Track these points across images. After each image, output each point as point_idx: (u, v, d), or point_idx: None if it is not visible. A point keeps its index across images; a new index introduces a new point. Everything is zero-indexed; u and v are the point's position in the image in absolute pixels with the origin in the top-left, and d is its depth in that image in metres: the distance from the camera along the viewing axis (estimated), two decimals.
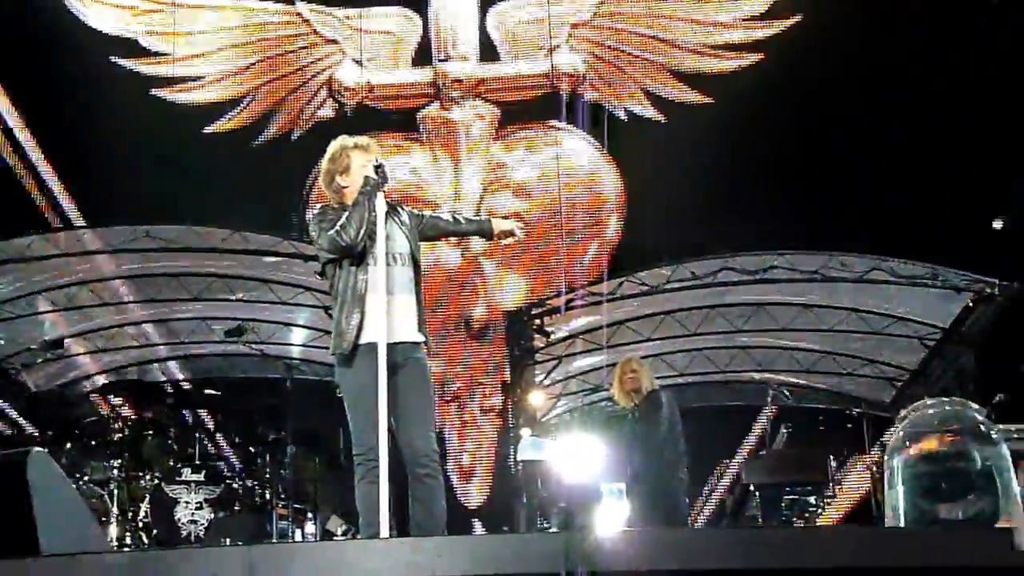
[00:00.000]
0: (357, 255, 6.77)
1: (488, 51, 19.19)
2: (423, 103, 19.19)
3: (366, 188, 6.76)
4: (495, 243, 7.54)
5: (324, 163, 7.09)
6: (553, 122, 19.27)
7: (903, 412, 7.88)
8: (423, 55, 19.15)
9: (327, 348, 13.33)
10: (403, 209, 7.17)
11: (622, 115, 19.14)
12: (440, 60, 19.14)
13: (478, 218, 7.49)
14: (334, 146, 7.11)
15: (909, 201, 16.74)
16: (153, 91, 18.63)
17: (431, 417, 6.95)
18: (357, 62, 19.06)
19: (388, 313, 6.72)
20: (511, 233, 7.43)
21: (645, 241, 18.47)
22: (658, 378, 12.32)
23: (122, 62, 18.52)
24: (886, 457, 7.50)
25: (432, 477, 6.73)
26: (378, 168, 6.90)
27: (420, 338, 6.89)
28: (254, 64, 19.01)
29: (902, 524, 6.98)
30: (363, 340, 6.71)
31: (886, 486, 7.41)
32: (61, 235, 13.51)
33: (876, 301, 14.68)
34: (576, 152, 19.13)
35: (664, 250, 18.00)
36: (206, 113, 18.80)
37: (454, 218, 7.48)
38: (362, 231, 6.69)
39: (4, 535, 5.95)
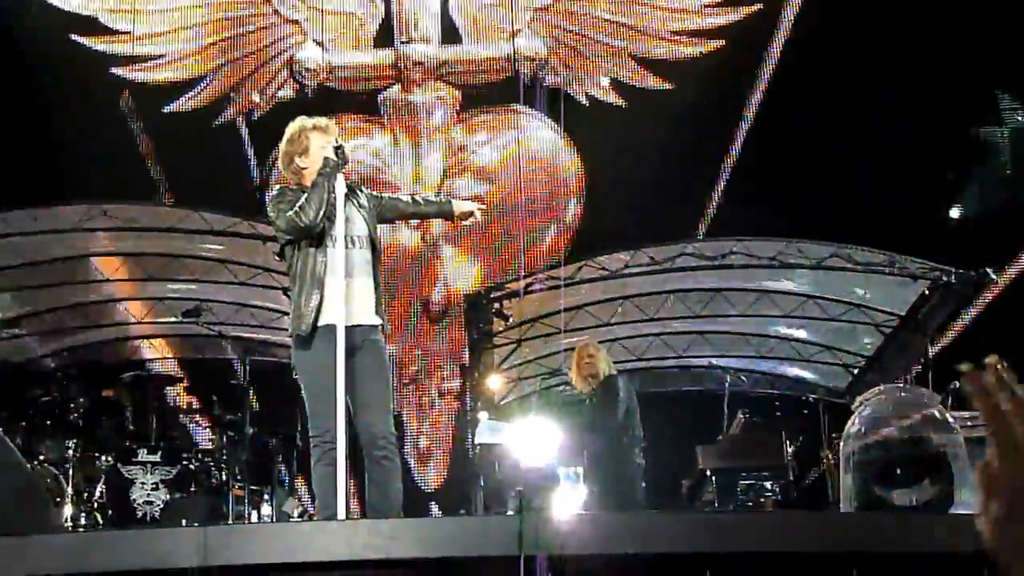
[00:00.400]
0: (316, 237, 6.76)
1: (450, 34, 19.15)
2: (384, 85, 19.13)
3: (325, 170, 6.74)
4: (456, 223, 7.55)
5: (283, 144, 7.08)
6: (514, 106, 19.26)
7: (859, 399, 7.95)
8: (385, 37, 19.09)
9: (285, 330, 13.32)
10: (362, 191, 7.16)
11: (583, 100, 19.15)
12: (402, 42, 19.08)
13: (439, 199, 7.51)
14: (293, 127, 7.09)
15: (868, 188, 16.87)
16: (113, 70, 18.50)
17: (388, 400, 6.96)
18: (318, 43, 18.99)
19: (347, 296, 6.72)
20: (471, 214, 7.43)
21: (604, 226, 18.52)
22: (616, 363, 12.37)
23: (81, 40, 18.38)
24: (842, 443, 7.57)
25: (389, 460, 6.74)
26: (338, 149, 6.89)
27: (378, 321, 6.90)
28: (215, 43, 18.90)
29: (855, 508, 7.05)
30: (322, 322, 6.70)
31: (841, 471, 7.48)
32: (15, 214, 13.38)
33: (834, 288, 14.76)
34: (537, 136, 19.13)
35: (623, 235, 18.06)
36: (166, 92, 18.70)
37: (414, 199, 7.49)
38: (320, 212, 6.66)
39: None
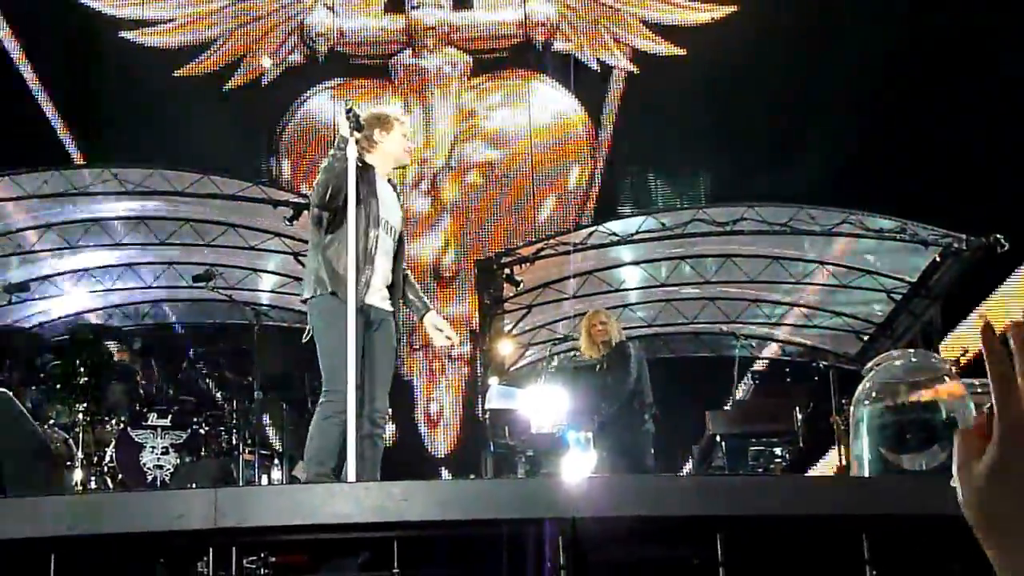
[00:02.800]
0: (370, 214, 6.84)
1: None
2: (395, 50, 19.10)
3: (338, 151, 6.76)
4: (424, 336, 7.64)
5: (372, 114, 7.21)
6: (525, 72, 19.23)
7: (870, 364, 7.92)
8: (396, 2, 19.05)
9: (295, 295, 13.34)
10: (398, 195, 7.30)
11: (594, 66, 19.11)
12: (413, 7, 19.04)
13: (423, 300, 7.45)
14: (392, 112, 7.41)
15: (882, 153, 16.84)
16: (122, 34, 18.49)
17: (389, 382, 7.06)
18: (328, 7, 18.94)
19: (373, 277, 6.87)
20: (441, 335, 7.39)
21: (615, 191, 18.52)
22: (626, 329, 12.37)
23: (91, 3, 18.37)
24: (852, 408, 7.54)
25: (380, 438, 6.87)
26: (348, 112, 6.86)
27: (392, 309, 7.01)
28: (224, 7, 18.87)
29: (866, 474, 7.03)
30: (368, 300, 6.80)
31: (851, 436, 7.46)
32: (25, 177, 13.35)
33: (844, 254, 14.71)
34: (548, 101, 19.11)
35: (634, 200, 18.06)
36: (175, 56, 18.68)
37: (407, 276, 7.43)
38: (327, 193, 6.72)
39: None
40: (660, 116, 18.32)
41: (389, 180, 7.23)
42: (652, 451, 10.54)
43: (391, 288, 7.08)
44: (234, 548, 5.31)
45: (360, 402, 6.72)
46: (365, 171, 6.93)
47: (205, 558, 5.32)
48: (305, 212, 12.43)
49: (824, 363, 15.70)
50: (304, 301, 7.05)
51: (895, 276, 14.73)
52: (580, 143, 19.03)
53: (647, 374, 10.57)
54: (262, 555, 5.45)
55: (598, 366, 10.65)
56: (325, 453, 6.61)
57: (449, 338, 7.40)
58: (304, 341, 7.06)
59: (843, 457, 11.61)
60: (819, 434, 12.79)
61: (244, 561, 5.36)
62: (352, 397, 6.49)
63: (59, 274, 15.01)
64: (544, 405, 11.56)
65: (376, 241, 6.86)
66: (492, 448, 12.42)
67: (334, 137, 6.89)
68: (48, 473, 6.69)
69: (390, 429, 16.71)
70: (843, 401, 12.38)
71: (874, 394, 7.34)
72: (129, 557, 5.47)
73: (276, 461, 12.97)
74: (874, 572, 5.46)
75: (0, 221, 13.76)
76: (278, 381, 13.88)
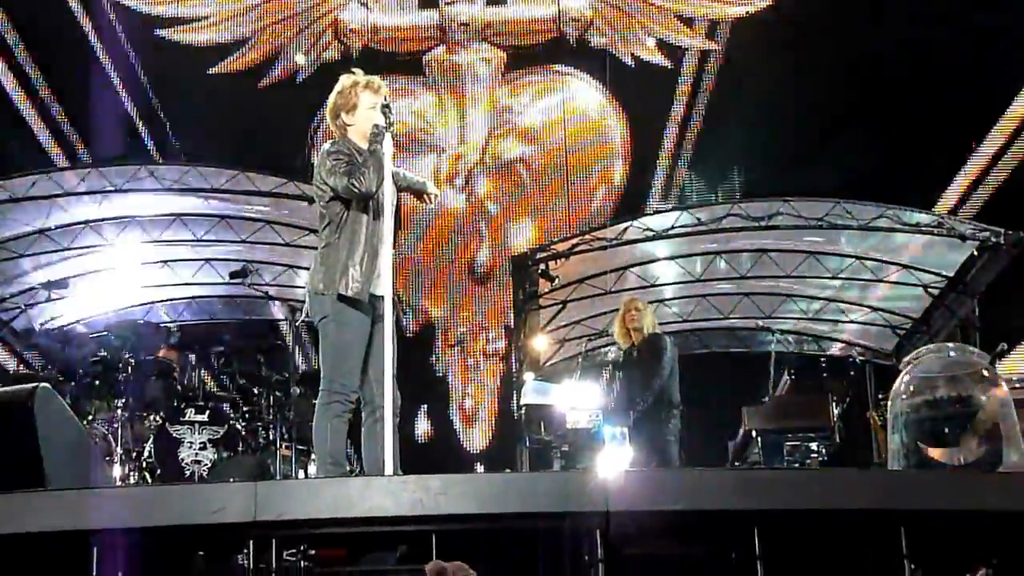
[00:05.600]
0: (374, 204, 6.78)
1: None
2: (429, 46, 19.12)
3: (378, 137, 6.73)
4: (425, 200, 7.42)
5: (332, 96, 7.05)
6: (560, 67, 19.22)
7: (907, 358, 7.90)
8: None
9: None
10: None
11: (629, 61, 19.07)
12: (447, 3, 19.05)
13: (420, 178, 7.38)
14: (345, 81, 7.07)
15: (919, 145, 16.77)
16: (157, 31, 18.58)
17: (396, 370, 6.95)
18: (363, 3, 18.98)
19: (382, 266, 6.80)
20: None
21: (650, 186, 18.50)
22: (661, 324, 12.32)
23: (126, 1, 18.47)
24: (889, 402, 7.52)
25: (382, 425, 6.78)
26: (385, 108, 6.87)
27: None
28: (259, 4, 18.93)
29: (903, 467, 7.02)
30: (374, 291, 6.75)
31: (889, 431, 7.44)
32: (64, 174, 13.45)
33: (881, 249, 14.64)
34: (583, 97, 19.10)
35: (669, 195, 18.03)
36: (210, 53, 18.76)
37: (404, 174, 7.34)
38: (378, 181, 6.69)
39: (11, 470, 5.98)
40: (695, 110, 18.30)
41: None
42: (679, 447, 10.52)
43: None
44: (273, 541, 5.35)
45: (373, 393, 6.73)
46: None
47: (245, 551, 5.35)
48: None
49: (860, 358, 15.65)
50: (317, 293, 6.91)
51: (932, 271, 14.65)
52: (614, 138, 19.01)
53: (677, 371, 10.55)
54: (301, 548, 5.47)
55: (631, 355, 10.65)
56: (342, 454, 6.64)
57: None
58: (296, 324, 7.07)
59: (880, 452, 11.57)
60: (855, 429, 12.75)
61: (283, 554, 5.39)
62: (388, 392, 6.51)
63: (98, 271, 15.08)
64: (579, 400, 11.54)
65: (382, 232, 6.83)
66: (527, 443, 12.42)
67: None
68: (89, 467, 6.73)
69: (424, 426, 16.71)
70: (879, 396, 12.35)
71: (911, 389, 7.32)
72: (170, 550, 5.51)
73: (312, 456, 13.00)
74: (912, 566, 5.45)
75: (37, 218, 13.83)
76: (314, 377, 13.92)
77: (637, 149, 18.82)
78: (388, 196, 6.83)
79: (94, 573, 5.34)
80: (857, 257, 14.80)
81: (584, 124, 18.98)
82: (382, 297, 6.76)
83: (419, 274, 18.43)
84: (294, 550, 5.50)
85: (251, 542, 5.34)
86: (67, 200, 13.59)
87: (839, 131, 17.23)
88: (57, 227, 14.08)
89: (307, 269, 15.00)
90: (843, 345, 17.01)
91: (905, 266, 14.73)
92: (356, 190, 6.69)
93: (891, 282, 15.06)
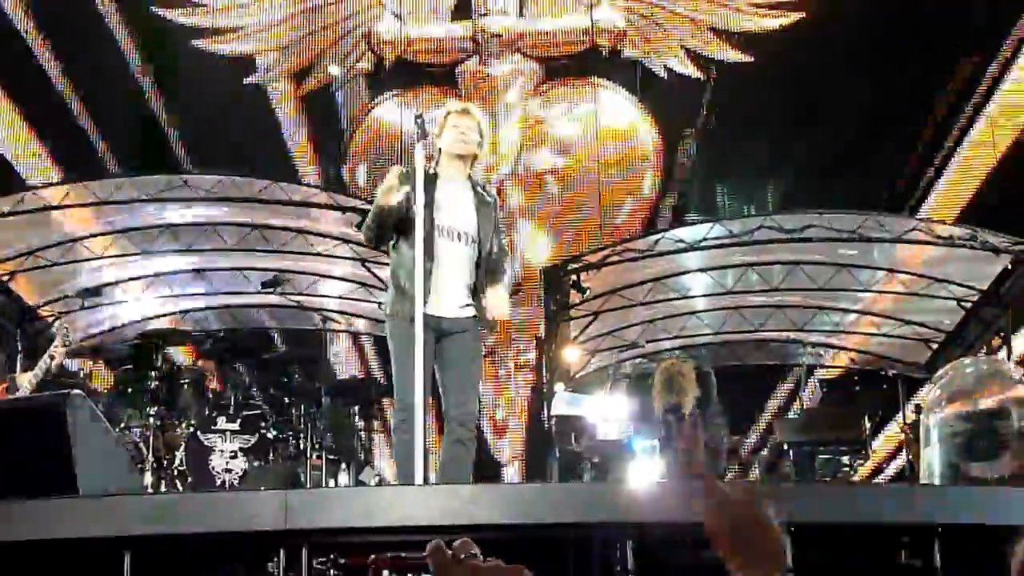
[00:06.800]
0: (413, 224, 6.83)
1: (528, 6, 19.14)
2: (462, 57, 19.14)
3: (383, 187, 6.80)
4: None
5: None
6: (592, 78, 19.22)
7: (940, 371, 7.87)
8: (463, 9, 19.11)
9: (362, 300, 13.39)
10: (489, 195, 7.15)
11: (662, 72, 19.06)
12: (480, 15, 19.08)
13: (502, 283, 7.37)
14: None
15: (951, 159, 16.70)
16: (193, 42, 18.67)
17: (471, 387, 6.98)
18: (396, 15, 19.03)
19: (436, 285, 6.80)
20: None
21: (682, 198, 18.47)
22: (692, 336, 12.29)
23: (162, 12, 18.57)
24: (922, 415, 7.49)
25: (470, 440, 6.84)
26: (417, 118, 6.89)
27: (468, 313, 6.90)
28: (293, 16, 19.02)
29: (937, 482, 6.98)
30: (433, 311, 6.81)
31: (922, 444, 7.40)
32: (98, 183, 13.53)
33: (914, 262, 14.57)
34: (615, 109, 19.09)
35: (701, 207, 17.99)
36: (244, 64, 18.85)
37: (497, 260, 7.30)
38: (374, 234, 6.91)
39: (44, 475, 6.00)
40: (728, 123, 18.26)
41: (475, 184, 7.09)
42: (724, 464, 10.49)
43: (474, 294, 6.99)
44: (304, 549, 5.36)
45: (444, 409, 6.80)
46: (431, 179, 6.96)
47: (276, 558, 5.36)
48: None
49: (893, 371, 15.58)
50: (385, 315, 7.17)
51: (965, 284, 14.58)
52: (647, 150, 19.00)
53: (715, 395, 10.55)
54: (332, 556, 5.48)
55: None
56: (406, 465, 6.66)
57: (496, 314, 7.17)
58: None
59: (912, 466, 11.52)
60: (886, 443, 12.72)
61: (314, 562, 5.40)
62: (420, 407, 6.52)
63: (130, 279, 15.16)
64: (610, 412, 11.52)
65: (437, 249, 6.83)
66: (558, 455, 12.41)
67: (400, 144, 6.91)
68: (122, 474, 6.76)
69: None
70: (912, 410, 12.30)
71: (945, 402, 7.28)
72: (201, 557, 5.52)
73: (343, 466, 13.03)
74: None
75: (72, 227, 13.91)
76: (345, 386, 13.97)
77: (669, 160, 18.80)
78: (440, 211, 6.86)
79: None
80: (890, 270, 14.75)
81: (616, 135, 18.97)
82: (442, 317, 6.82)
83: None
84: (324, 558, 5.50)
85: (282, 550, 5.35)
86: (100, 208, 13.66)
87: (874, 142, 17.19)
88: (90, 235, 14.15)
89: (339, 279, 15.12)
90: (875, 358, 16.92)
91: (938, 279, 14.66)
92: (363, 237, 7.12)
93: (924, 295, 14.98)
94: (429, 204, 6.81)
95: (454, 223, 6.89)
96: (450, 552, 1.70)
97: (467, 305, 6.91)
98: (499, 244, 7.12)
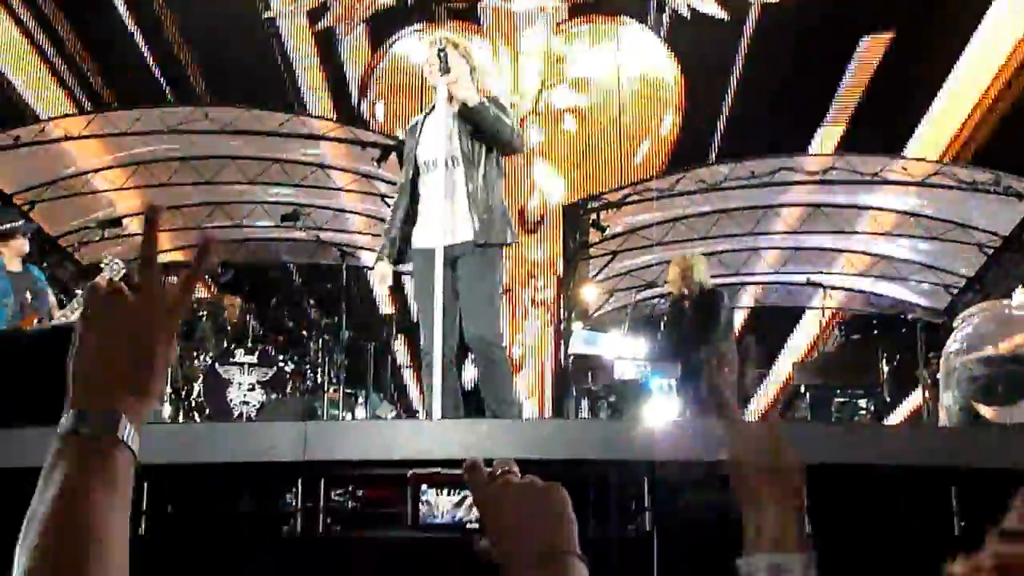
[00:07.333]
0: (411, 159, 7.05)
1: None
2: None
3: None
4: None
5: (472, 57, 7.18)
6: (615, 16, 19.06)
7: (961, 315, 7.85)
8: None
9: (380, 235, 13.37)
10: (477, 103, 7.08)
11: (685, 12, 18.90)
12: None
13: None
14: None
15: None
16: None
17: (484, 308, 6.95)
18: None
19: (443, 216, 6.84)
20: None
21: (704, 139, 18.37)
22: (712, 277, 12.25)
23: None
24: (943, 359, 7.48)
25: (490, 360, 6.83)
26: (441, 52, 6.85)
27: (470, 237, 6.91)
28: None
29: (955, 424, 6.98)
30: (418, 245, 6.96)
31: (941, 388, 7.40)
32: (118, 114, 13.50)
33: (936, 206, 14.47)
34: (638, 47, 18.93)
35: (722, 148, 17.89)
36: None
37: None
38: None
39: (61, 403, 6.02)
40: (752, 63, 18.12)
41: (463, 105, 6.95)
42: (734, 400, 10.47)
43: (477, 210, 6.95)
44: (322, 481, 5.38)
45: (463, 337, 6.83)
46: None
47: (294, 490, 5.39)
48: (393, 154, 12.50)
49: (911, 316, 15.54)
50: None
51: (987, 230, 14.50)
52: (669, 90, 18.87)
53: (732, 323, 10.53)
54: (349, 488, 5.50)
55: (685, 308, 10.64)
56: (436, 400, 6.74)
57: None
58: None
59: (928, 410, 11.51)
60: (904, 387, 12.68)
61: (332, 494, 5.42)
62: (438, 340, 6.54)
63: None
64: (627, 351, 11.53)
65: (421, 187, 7.02)
66: (574, 393, 12.42)
67: (421, 80, 6.95)
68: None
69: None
70: (930, 355, 12.26)
71: (965, 346, 7.27)
72: (219, 488, 5.55)
73: (360, 400, 13.07)
74: (962, 524, 5.42)
75: (91, 159, 13.90)
76: (363, 321, 13.98)
77: (691, 101, 18.68)
78: (439, 149, 6.89)
79: (145, 507, 5.39)
80: (911, 214, 14.67)
81: (638, 75, 18.84)
82: (452, 245, 6.84)
83: None
84: (342, 490, 5.52)
85: (299, 481, 5.37)
86: (121, 140, 13.64)
87: (905, 84, 17.03)
88: (110, 166, 14.14)
89: (358, 214, 15.09)
90: (894, 302, 16.87)
91: (960, 224, 14.58)
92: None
93: (945, 239, 14.91)
94: (416, 140, 7.05)
95: (431, 154, 7.00)
96: (487, 469, 1.71)
97: (468, 227, 6.91)
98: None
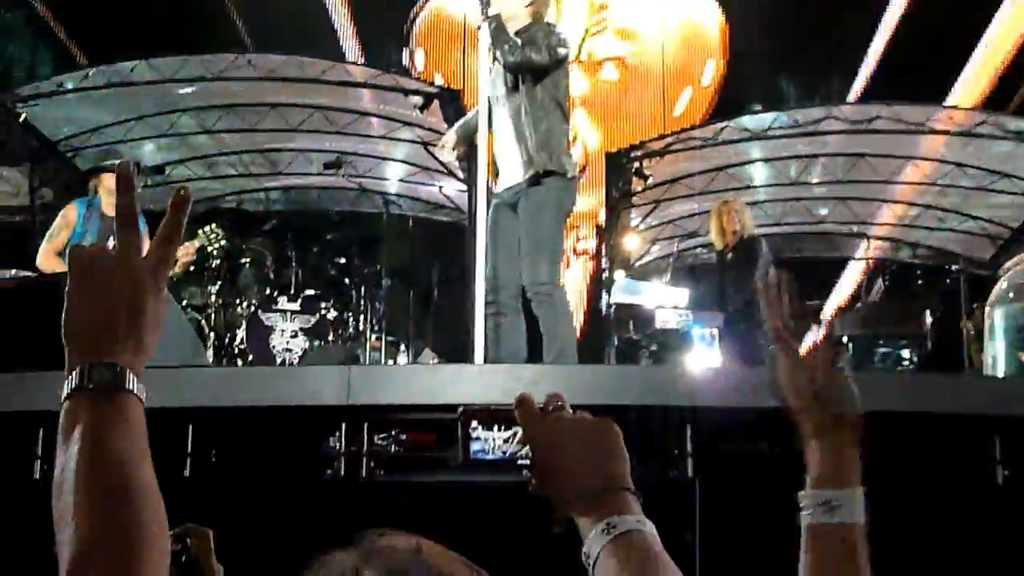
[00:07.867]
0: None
1: None
2: None
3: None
4: None
5: None
6: None
7: (1007, 264, 7.80)
8: None
9: (422, 184, 13.41)
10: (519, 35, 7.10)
11: None
12: None
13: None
14: None
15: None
16: None
17: (533, 250, 6.92)
18: None
19: (496, 157, 6.91)
20: None
21: (748, 87, 18.26)
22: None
23: None
24: (987, 308, 7.44)
25: (537, 304, 6.83)
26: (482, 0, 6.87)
27: (519, 179, 6.91)
28: None
29: (1000, 375, 6.94)
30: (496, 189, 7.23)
31: (986, 337, 7.36)
32: (163, 61, 13.48)
33: (982, 156, 14.32)
34: None
35: (767, 96, 17.77)
36: None
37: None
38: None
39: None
40: (796, 14, 17.97)
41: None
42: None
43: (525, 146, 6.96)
44: (365, 424, 5.41)
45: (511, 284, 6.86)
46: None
47: (337, 433, 5.43)
48: (436, 101, 12.46)
49: (956, 267, 15.42)
50: None
51: None
52: (713, 38, 18.75)
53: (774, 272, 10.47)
54: (392, 432, 5.53)
55: (726, 257, 10.61)
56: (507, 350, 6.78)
57: None
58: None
59: (971, 361, 11.46)
60: (948, 338, 12.61)
61: (375, 437, 5.45)
62: (480, 284, 6.57)
63: (194, 158, 15.20)
64: (669, 300, 11.52)
65: (494, 122, 7.10)
66: (616, 342, 12.42)
67: (465, 28, 6.96)
68: (186, 349, 6.84)
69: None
70: (974, 306, 12.20)
71: (1011, 295, 7.23)
72: (263, 429, 5.59)
73: (401, 348, 13.12)
74: (1006, 472, 5.40)
75: (134, 102, 13.90)
76: (405, 269, 14.01)
77: (735, 49, 18.55)
78: (495, 86, 6.93)
79: (190, 450, 5.44)
80: (957, 164, 14.51)
81: (683, 22, 18.72)
82: (505, 190, 6.92)
83: None
84: (385, 434, 5.56)
85: (343, 425, 5.41)
86: (163, 86, 13.62)
87: (950, 36, 16.87)
88: (154, 114, 14.16)
89: (400, 162, 15.10)
90: (939, 253, 16.74)
91: (1006, 174, 14.43)
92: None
93: (991, 190, 14.76)
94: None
95: (490, 91, 7.11)
96: (539, 405, 1.71)
97: (518, 168, 6.90)
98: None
